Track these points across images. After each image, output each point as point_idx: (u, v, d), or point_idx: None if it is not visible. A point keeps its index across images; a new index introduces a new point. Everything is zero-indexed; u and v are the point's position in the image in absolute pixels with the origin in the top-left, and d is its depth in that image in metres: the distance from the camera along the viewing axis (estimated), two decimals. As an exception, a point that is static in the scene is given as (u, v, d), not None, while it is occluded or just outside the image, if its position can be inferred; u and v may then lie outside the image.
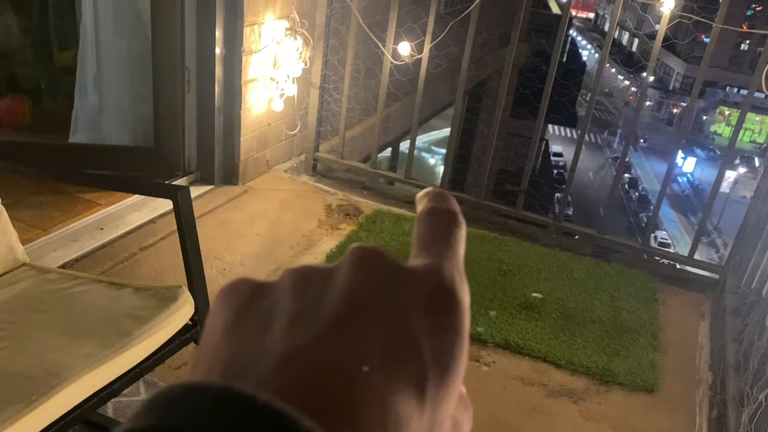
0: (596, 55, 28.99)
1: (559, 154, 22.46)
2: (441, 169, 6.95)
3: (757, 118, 27.76)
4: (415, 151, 3.40)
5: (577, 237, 3.15)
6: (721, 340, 2.34)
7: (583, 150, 3.19)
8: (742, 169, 24.52)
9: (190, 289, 1.51)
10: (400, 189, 3.32)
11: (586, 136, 3.15)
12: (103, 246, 2.46)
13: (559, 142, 25.37)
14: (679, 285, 2.79)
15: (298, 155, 3.49)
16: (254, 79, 2.94)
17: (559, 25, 2.86)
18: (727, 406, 1.97)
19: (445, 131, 6.82)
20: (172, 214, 1.54)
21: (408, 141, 3.32)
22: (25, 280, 1.52)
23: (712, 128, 28.86)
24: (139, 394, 1.75)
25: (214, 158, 2.98)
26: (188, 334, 1.49)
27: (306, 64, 3.11)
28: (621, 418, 2.00)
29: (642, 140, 28.19)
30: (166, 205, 2.44)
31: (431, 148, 7.57)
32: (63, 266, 2.27)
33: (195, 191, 2.91)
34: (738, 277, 2.66)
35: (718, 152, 25.80)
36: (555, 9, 10.71)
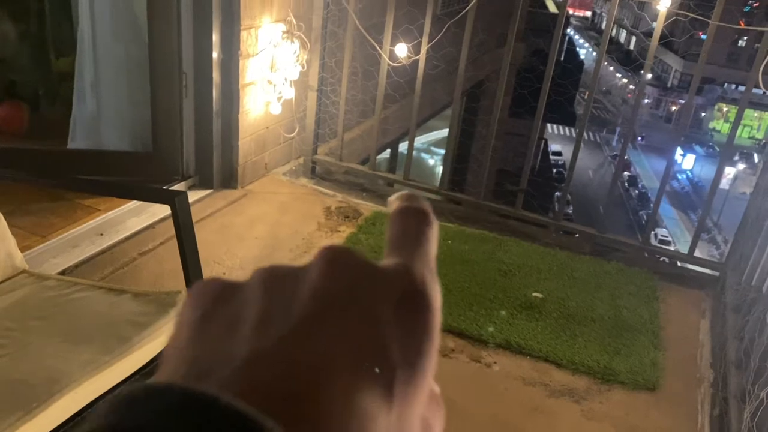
0: (594, 54, 29.02)
1: (558, 153, 22.47)
2: (440, 169, 6.96)
3: (756, 114, 27.77)
4: (414, 152, 3.40)
5: (577, 236, 3.14)
6: (722, 337, 2.34)
7: (582, 148, 3.19)
8: (741, 166, 24.52)
9: (190, 294, 1.51)
10: (399, 190, 3.31)
11: (585, 135, 3.16)
12: (102, 252, 2.46)
13: (558, 141, 25.37)
14: (680, 283, 2.79)
15: (296, 158, 3.49)
16: (252, 82, 2.95)
17: (556, 24, 2.86)
18: (729, 403, 1.97)
19: (444, 132, 6.82)
20: (171, 219, 1.54)
21: (407, 142, 3.32)
22: (24, 287, 1.52)
23: (711, 125, 28.87)
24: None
25: (213, 162, 2.98)
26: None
27: (303, 67, 3.11)
28: (623, 417, 2.00)
29: (639, 138, 28.19)
30: (165, 209, 2.44)
31: (430, 148, 7.58)
32: (63, 272, 2.27)
33: (194, 195, 2.91)
34: (738, 273, 2.65)
35: (717, 149, 25.80)
36: (552, 8, 10.72)
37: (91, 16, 2.86)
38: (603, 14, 35.82)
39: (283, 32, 3.01)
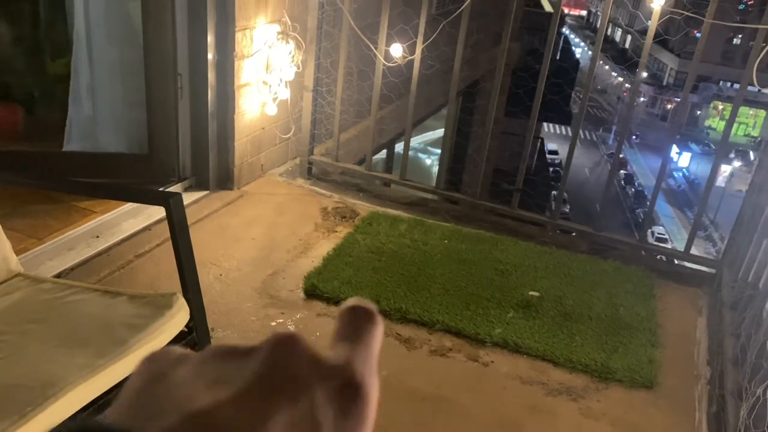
0: (589, 53, 29.03)
1: (555, 152, 22.49)
2: (437, 169, 6.96)
3: (751, 112, 27.82)
4: (411, 152, 3.40)
5: (573, 235, 3.15)
6: (719, 334, 2.35)
7: (578, 147, 3.19)
8: (737, 163, 24.57)
9: (185, 296, 1.51)
10: (396, 190, 3.32)
11: (581, 134, 3.16)
12: (98, 254, 2.45)
13: (554, 140, 25.40)
14: (677, 280, 2.79)
15: (292, 159, 3.48)
16: (247, 83, 2.94)
17: (551, 23, 2.86)
18: (726, 400, 1.97)
19: (440, 131, 6.83)
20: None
21: (403, 142, 3.32)
22: (19, 291, 1.52)
23: (707, 123, 28.92)
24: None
25: (209, 163, 2.97)
26: (184, 341, 1.48)
27: (298, 68, 3.11)
28: (620, 415, 2.00)
29: (634, 136, 28.24)
30: (161, 211, 2.42)
31: (427, 148, 7.58)
32: (59, 275, 2.26)
33: (190, 197, 2.91)
34: (734, 271, 2.66)
35: (713, 146, 25.85)
36: (547, 7, 10.74)
37: (86, 18, 2.86)
38: (598, 13, 35.86)
39: (278, 33, 3.00)
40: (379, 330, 0.29)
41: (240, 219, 2.87)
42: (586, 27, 38.86)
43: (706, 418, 2.03)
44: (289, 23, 3.01)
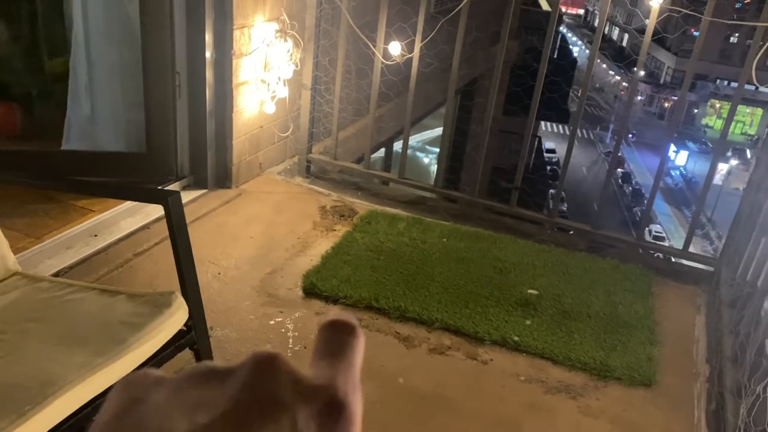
0: (587, 51, 29.06)
1: (552, 151, 22.51)
2: (435, 167, 6.95)
3: (748, 110, 27.89)
4: (409, 151, 3.39)
5: (571, 233, 3.15)
6: (718, 332, 2.35)
7: (576, 146, 3.19)
8: (734, 162, 24.62)
9: (184, 294, 1.51)
10: (395, 189, 3.32)
11: (579, 132, 3.16)
12: (97, 252, 2.44)
13: (552, 138, 25.42)
14: (675, 278, 2.79)
15: (291, 157, 3.48)
16: (245, 81, 2.94)
17: (549, 22, 2.86)
18: (725, 398, 1.97)
19: (439, 130, 6.82)
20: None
21: (401, 140, 3.32)
22: (17, 290, 1.51)
23: (704, 121, 28.98)
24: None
25: (207, 162, 2.97)
26: (183, 339, 1.48)
27: (297, 66, 3.10)
28: (620, 413, 2.00)
29: (631, 135, 28.27)
30: (159, 210, 2.42)
31: (425, 147, 7.58)
32: (57, 274, 2.26)
33: (188, 195, 2.90)
34: (733, 268, 2.66)
35: (710, 145, 25.90)
36: (545, 6, 10.73)
37: (84, 17, 2.85)
38: (596, 12, 35.88)
39: (276, 31, 3.00)
40: (361, 344, 0.28)
41: (238, 217, 2.87)
42: (583, 25, 38.89)
43: (705, 416, 2.03)
44: (287, 21, 3.01)
